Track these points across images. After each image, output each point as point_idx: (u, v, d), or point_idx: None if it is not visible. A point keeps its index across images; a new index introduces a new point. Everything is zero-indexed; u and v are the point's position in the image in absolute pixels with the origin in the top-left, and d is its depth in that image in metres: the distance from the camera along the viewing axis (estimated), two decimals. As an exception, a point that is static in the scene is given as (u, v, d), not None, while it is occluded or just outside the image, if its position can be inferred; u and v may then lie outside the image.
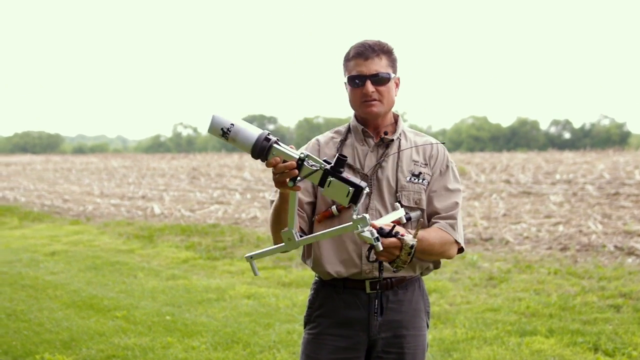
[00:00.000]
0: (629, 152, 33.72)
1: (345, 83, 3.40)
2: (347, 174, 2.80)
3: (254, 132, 2.82)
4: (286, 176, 2.81)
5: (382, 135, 3.36)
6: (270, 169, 2.90)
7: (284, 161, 2.80)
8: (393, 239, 2.94)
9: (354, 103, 3.35)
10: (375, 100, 3.29)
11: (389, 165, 3.34)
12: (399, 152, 3.36)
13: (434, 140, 3.45)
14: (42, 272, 11.36)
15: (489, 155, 36.66)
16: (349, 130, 3.47)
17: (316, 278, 3.50)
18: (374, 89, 3.27)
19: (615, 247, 11.58)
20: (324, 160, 2.80)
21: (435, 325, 7.73)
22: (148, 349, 7.16)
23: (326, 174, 2.79)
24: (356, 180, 2.79)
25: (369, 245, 2.99)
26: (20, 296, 9.57)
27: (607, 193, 18.08)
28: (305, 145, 3.52)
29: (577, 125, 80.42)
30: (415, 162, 3.36)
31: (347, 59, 3.35)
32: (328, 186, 2.79)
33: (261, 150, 2.82)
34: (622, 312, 7.93)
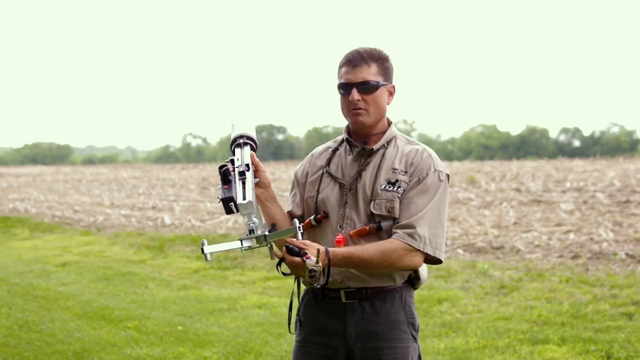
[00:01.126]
0: (639, 159, 33.68)
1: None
2: (240, 186, 2.94)
3: (234, 135, 3.19)
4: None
5: (362, 145, 3.33)
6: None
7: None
8: (296, 259, 2.98)
9: (342, 111, 3.34)
10: (361, 109, 3.25)
11: (368, 174, 3.30)
12: (381, 162, 3.31)
13: (421, 147, 3.37)
14: (54, 283, 11.39)
15: (499, 164, 36.71)
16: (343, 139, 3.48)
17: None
18: (359, 98, 3.22)
19: (627, 254, 11.54)
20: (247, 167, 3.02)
21: (447, 334, 7.72)
22: (160, 359, 7.17)
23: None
24: (234, 193, 2.91)
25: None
26: (32, 307, 9.60)
27: (618, 201, 18.04)
28: (304, 159, 3.60)
29: (586, 133, 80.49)
30: (395, 169, 3.28)
31: (340, 65, 3.31)
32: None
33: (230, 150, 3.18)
34: (635, 320, 7.90)
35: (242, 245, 2.97)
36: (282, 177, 30.69)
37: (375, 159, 3.32)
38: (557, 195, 20.04)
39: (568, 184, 21.98)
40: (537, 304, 8.79)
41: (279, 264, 3.19)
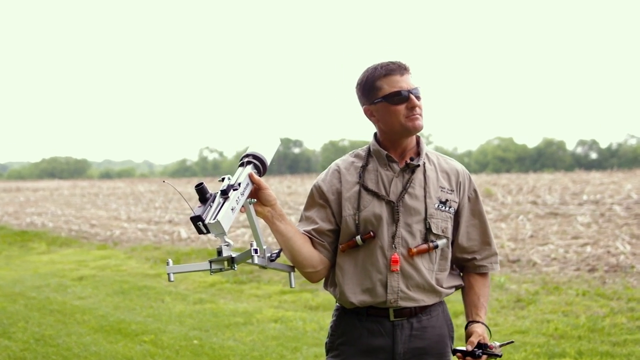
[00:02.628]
0: (656, 171, 33.49)
1: (368, 107, 3.28)
2: (215, 206, 2.82)
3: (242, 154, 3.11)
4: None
5: (408, 161, 3.26)
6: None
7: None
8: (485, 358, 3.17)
9: (394, 121, 3.21)
10: (419, 114, 3.21)
11: (416, 191, 3.24)
12: (425, 178, 3.27)
13: (459, 165, 3.41)
14: (70, 297, 11.43)
15: (516, 177, 36.57)
16: (369, 154, 3.35)
17: (338, 304, 3.43)
18: (418, 103, 3.20)
19: (644, 267, 11.48)
20: (232, 186, 2.91)
21: (463, 347, 7.69)
22: (176, 373, 7.18)
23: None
24: (199, 211, 2.78)
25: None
26: (48, 321, 9.63)
27: (635, 213, 17.94)
28: (325, 172, 3.42)
29: (603, 145, 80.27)
30: (442, 188, 3.29)
31: (376, 78, 3.22)
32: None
33: None
34: (652, 334, 7.85)
35: (211, 267, 2.91)
36: (298, 190, 30.69)
37: (419, 175, 3.27)
38: (573, 208, 19.96)
39: (585, 197, 21.89)
40: (554, 317, 8.75)
41: None
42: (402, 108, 3.18)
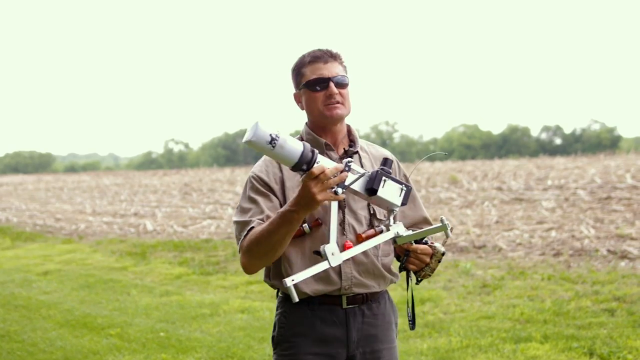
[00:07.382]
0: (619, 156, 33.80)
1: (297, 93, 3.30)
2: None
3: (299, 142, 2.82)
4: (337, 181, 2.83)
5: (347, 148, 3.28)
6: None
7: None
8: (425, 246, 3.06)
9: (314, 108, 3.21)
10: (339, 102, 3.18)
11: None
12: (362, 165, 3.27)
13: (388, 152, 3.40)
14: (35, 292, 11.32)
15: (481, 163, 36.70)
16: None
17: (281, 295, 3.38)
18: (337, 91, 3.17)
19: (608, 251, 11.59)
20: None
21: (429, 334, 7.72)
22: (142, 366, 7.13)
23: (381, 175, 2.91)
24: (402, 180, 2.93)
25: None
26: (13, 317, 9.54)
27: (599, 197, 18.11)
28: (262, 161, 3.32)
29: (567, 130, 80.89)
30: None
31: (302, 65, 3.23)
32: (383, 187, 2.91)
33: (308, 160, 2.81)
34: (617, 316, 7.92)
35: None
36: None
37: (355, 163, 3.23)
38: (538, 193, 20.10)
39: (549, 182, 22.04)
40: (520, 302, 8.81)
41: (405, 257, 3.12)
42: (320, 95, 3.19)
